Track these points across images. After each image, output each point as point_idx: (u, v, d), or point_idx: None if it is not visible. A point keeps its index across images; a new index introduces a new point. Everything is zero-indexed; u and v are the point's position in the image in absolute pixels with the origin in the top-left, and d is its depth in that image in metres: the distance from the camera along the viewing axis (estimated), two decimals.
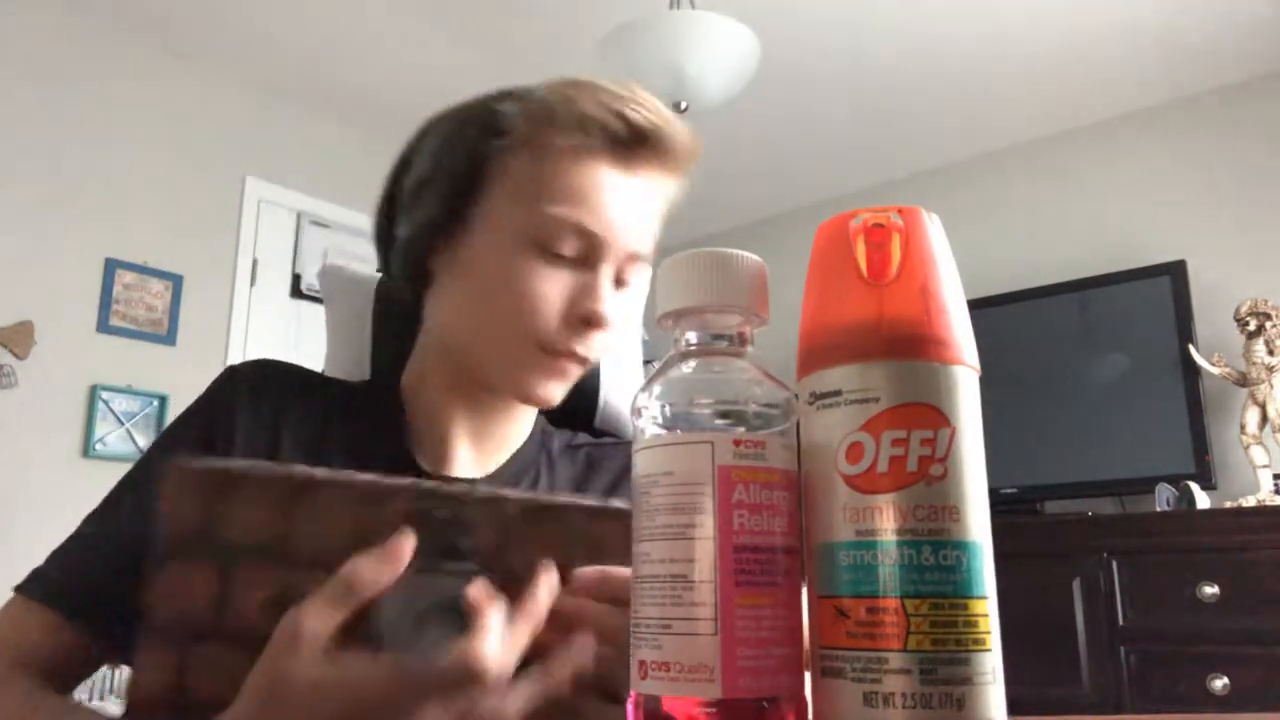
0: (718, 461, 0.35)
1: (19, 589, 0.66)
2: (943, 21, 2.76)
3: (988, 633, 0.33)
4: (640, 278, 0.73)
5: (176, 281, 2.94)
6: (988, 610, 0.33)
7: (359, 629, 0.38)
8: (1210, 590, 2.26)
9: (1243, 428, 2.63)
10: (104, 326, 2.77)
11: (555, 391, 0.70)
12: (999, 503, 2.83)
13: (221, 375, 0.76)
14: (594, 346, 0.69)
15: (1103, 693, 2.37)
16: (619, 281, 0.70)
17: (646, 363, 0.96)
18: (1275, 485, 2.52)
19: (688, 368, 0.38)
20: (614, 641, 0.40)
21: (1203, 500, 2.49)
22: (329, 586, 0.38)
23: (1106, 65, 2.96)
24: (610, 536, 0.38)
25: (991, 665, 0.33)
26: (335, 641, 0.38)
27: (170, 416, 2.85)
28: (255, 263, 3.16)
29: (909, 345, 0.34)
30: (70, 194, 2.75)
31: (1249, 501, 2.47)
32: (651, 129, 0.68)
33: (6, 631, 0.65)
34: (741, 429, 0.36)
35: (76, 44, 2.81)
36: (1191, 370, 2.71)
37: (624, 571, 0.39)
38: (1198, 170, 3.06)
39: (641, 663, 0.35)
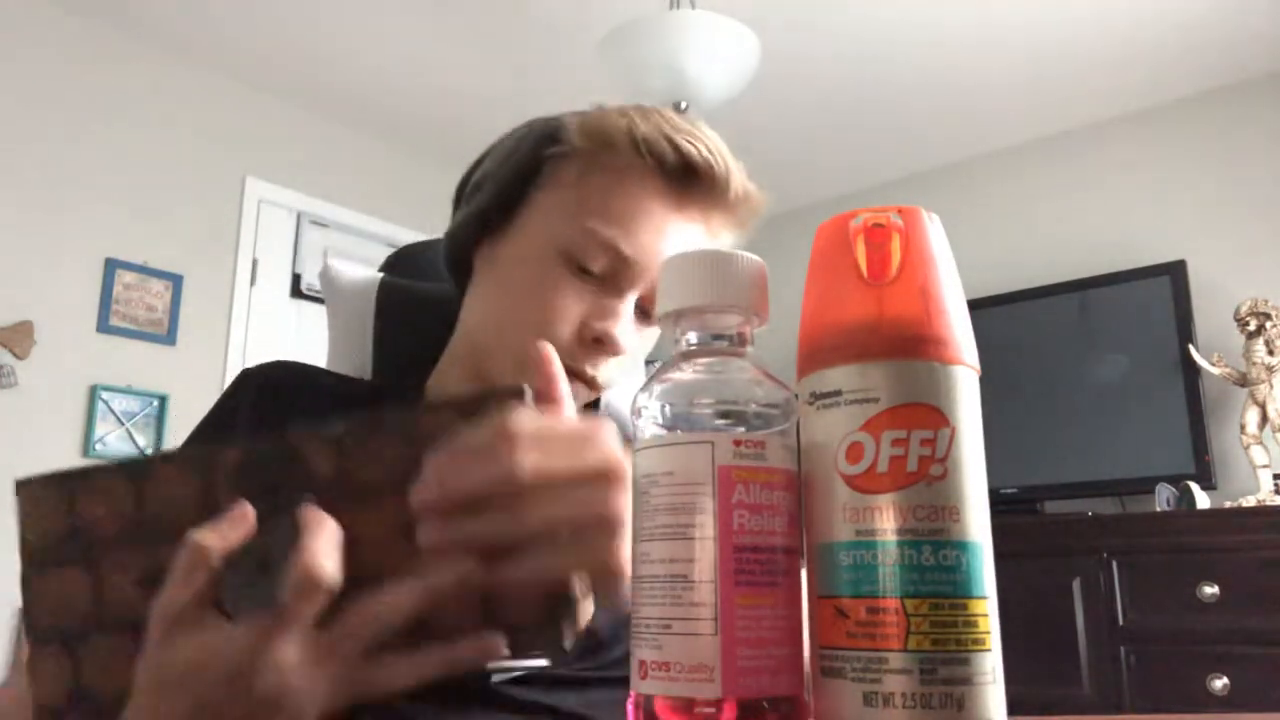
0: (718, 461, 0.35)
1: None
2: (943, 22, 2.76)
3: (988, 633, 0.33)
4: None
5: (176, 281, 2.94)
6: (988, 610, 0.33)
7: (223, 597, 0.38)
8: (1210, 590, 2.26)
9: (1243, 428, 2.63)
10: (104, 326, 2.77)
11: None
12: (999, 503, 2.83)
13: (235, 380, 0.77)
14: (604, 371, 0.68)
15: (1103, 693, 2.37)
16: (646, 315, 0.69)
17: (647, 363, 0.96)
18: (1275, 485, 2.52)
19: (688, 368, 0.38)
20: (473, 547, 0.39)
21: (1203, 500, 2.50)
22: (176, 565, 0.38)
23: (1106, 65, 2.96)
24: (440, 430, 0.38)
25: (991, 665, 0.33)
26: (198, 616, 0.38)
27: (170, 416, 2.86)
28: (255, 263, 3.16)
29: (909, 345, 0.34)
30: (70, 194, 2.75)
31: (1249, 501, 2.47)
32: (704, 164, 0.67)
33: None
34: (741, 429, 0.36)
35: (76, 44, 2.81)
36: (1191, 370, 2.71)
37: (462, 470, 0.38)
38: (1198, 170, 3.06)
39: (641, 663, 0.35)
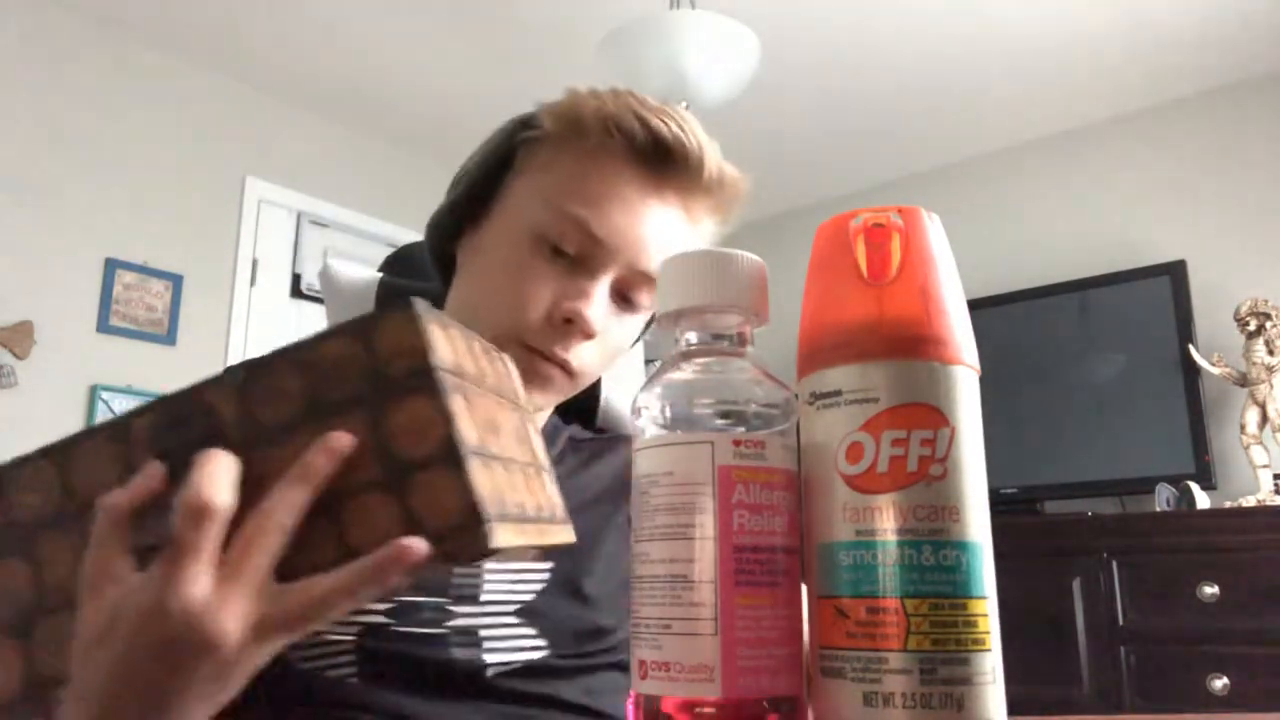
0: (718, 461, 0.35)
1: None
2: (943, 22, 2.76)
3: (988, 633, 0.33)
4: (651, 299, 0.70)
5: (176, 281, 2.94)
6: (988, 610, 0.33)
7: (139, 555, 0.38)
8: (1210, 590, 2.26)
9: (1243, 428, 2.63)
10: (104, 326, 2.77)
11: (536, 395, 0.68)
12: (999, 503, 2.83)
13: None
14: (579, 354, 0.67)
15: (1103, 693, 2.37)
16: (625, 300, 0.69)
17: (647, 363, 0.96)
18: (1275, 485, 2.52)
19: (688, 368, 0.38)
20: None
21: (1203, 500, 2.50)
22: (94, 531, 0.38)
23: (1106, 65, 2.96)
24: (340, 357, 0.37)
25: (991, 665, 0.33)
26: (111, 572, 0.37)
27: None
28: (255, 263, 3.16)
29: (909, 345, 0.34)
30: (70, 194, 2.75)
31: (1249, 501, 2.47)
32: (675, 142, 0.66)
33: None
34: (741, 429, 0.36)
35: (76, 44, 2.81)
36: (1191, 370, 2.71)
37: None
38: (1198, 170, 3.06)
39: (641, 662, 0.35)
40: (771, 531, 0.35)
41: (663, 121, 0.66)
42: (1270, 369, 2.61)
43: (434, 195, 0.78)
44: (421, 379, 0.37)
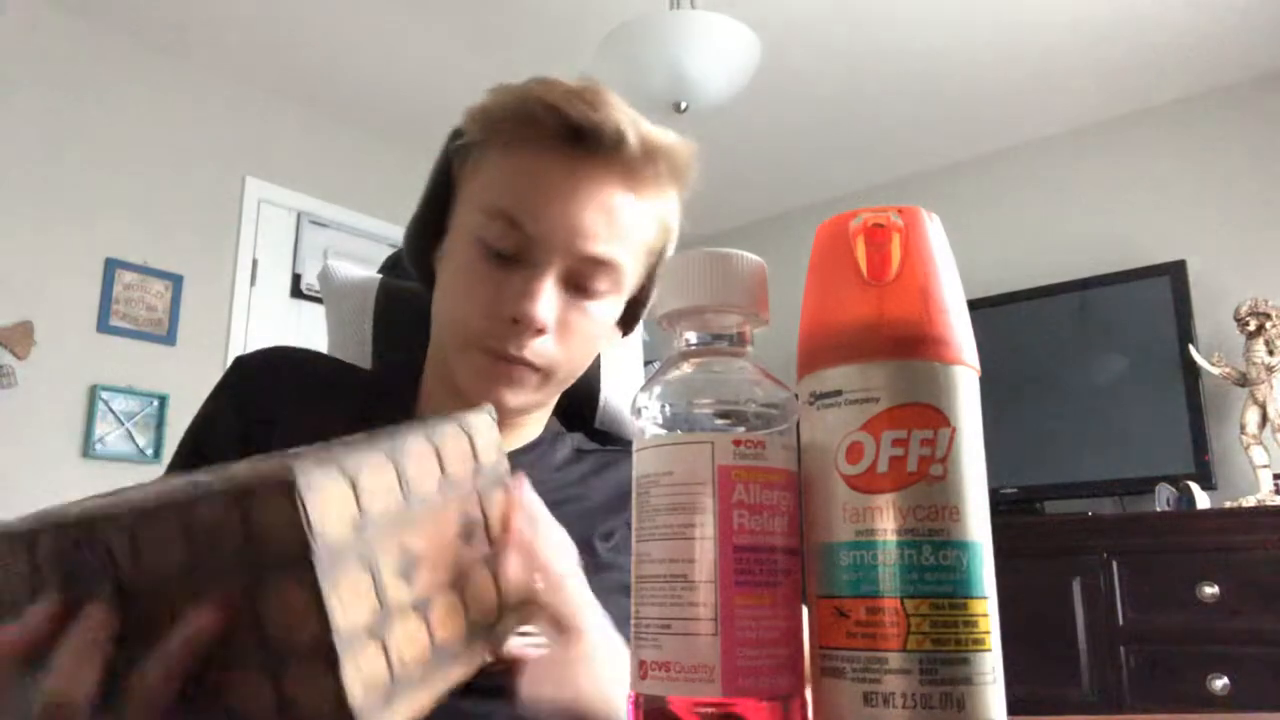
0: (718, 461, 0.35)
1: None
2: (943, 22, 2.76)
3: (988, 633, 0.33)
4: (612, 284, 0.69)
5: (176, 281, 2.94)
6: (988, 610, 0.33)
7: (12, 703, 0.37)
8: (1210, 590, 2.26)
9: (1243, 428, 2.63)
10: (104, 326, 2.77)
11: (507, 396, 0.68)
12: (999, 503, 2.83)
13: (228, 368, 0.78)
14: (538, 351, 0.67)
15: (1103, 693, 2.37)
16: (579, 288, 0.68)
17: (647, 363, 0.96)
18: (1275, 485, 2.52)
19: (688, 368, 0.38)
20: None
21: (1203, 500, 2.50)
22: None
23: (1107, 65, 2.96)
24: (216, 522, 0.35)
25: (991, 665, 0.33)
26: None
27: (170, 416, 2.86)
28: (255, 263, 3.16)
29: (909, 345, 0.34)
30: (70, 194, 2.75)
31: (1249, 501, 2.47)
32: (589, 124, 0.64)
33: None
34: (741, 429, 0.36)
35: (76, 44, 2.81)
36: (1191, 370, 2.71)
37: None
38: (1198, 170, 3.06)
39: (642, 663, 0.35)
40: (771, 531, 0.35)
41: (573, 104, 0.65)
42: (1270, 369, 2.61)
43: None
44: (296, 566, 0.33)
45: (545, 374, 0.69)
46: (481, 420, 0.46)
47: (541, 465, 0.77)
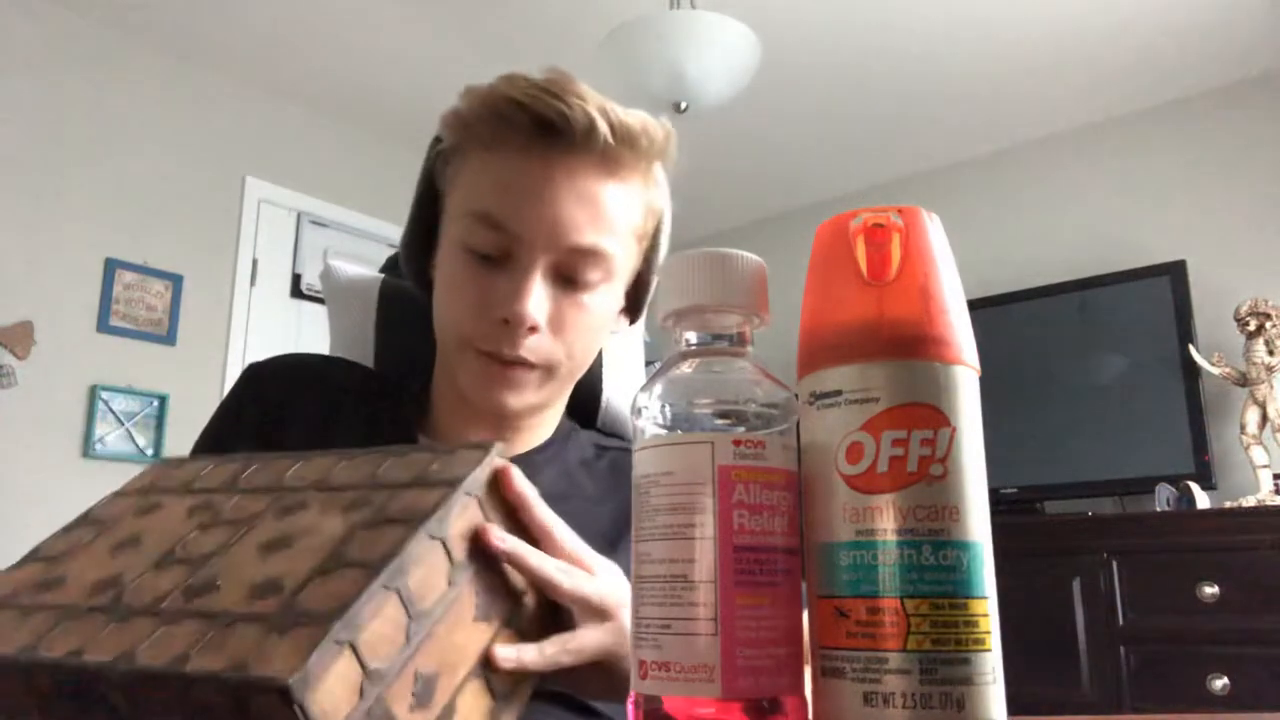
0: (718, 461, 0.35)
1: None
2: (943, 21, 2.76)
3: (988, 633, 0.33)
4: (603, 273, 0.69)
5: (176, 281, 2.94)
6: (988, 610, 0.33)
7: None
8: (1210, 590, 2.26)
9: (1243, 428, 2.63)
10: (104, 326, 2.78)
11: (509, 397, 0.68)
12: (999, 503, 2.83)
13: (242, 375, 0.78)
14: (533, 349, 0.67)
15: (1103, 693, 2.37)
16: (570, 281, 0.68)
17: (647, 363, 0.96)
18: (1275, 485, 2.52)
19: (688, 368, 0.38)
20: None
21: (1203, 500, 2.50)
22: None
23: (1106, 65, 2.96)
24: (213, 707, 0.34)
25: (991, 665, 0.33)
26: None
27: (170, 416, 2.86)
28: (255, 263, 3.16)
29: (909, 345, 0.34)
30: (70, 194, 2.75)
31: (1249, 501, 2.47)
32: (558, 115, 0.64)
33: None
34: (741, 429, 0.36)
35: (77, 44, 2.81)
36: (1191, 370, 2.71)
37: None
38: (1198, 170, 3.06)
39: (641, 663, 0.35)
40: (771, 531, 0.35)
41: (540, 99, 0.65)
42: (1270, 369, 2.61)
43: None
44: None
45: (545, 371, 0.69)
46: (485, 470, 0.44)
47: (560, 462, 0.77)
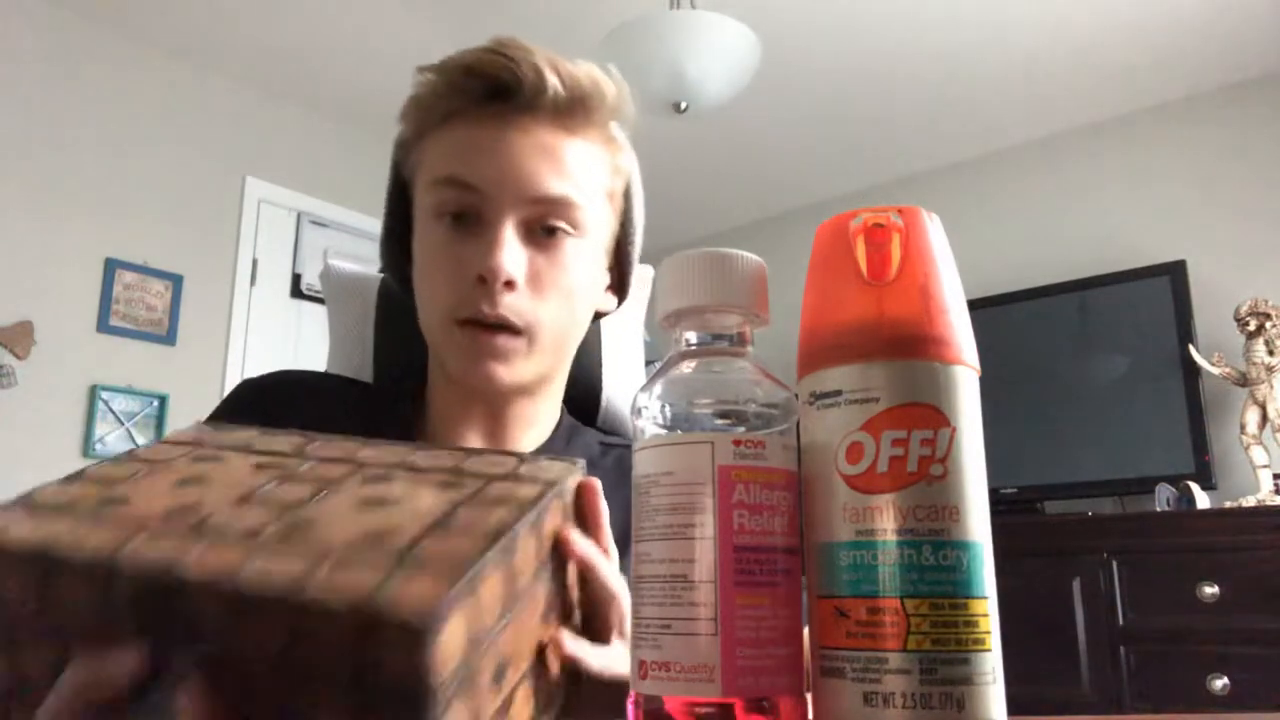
0: (718, 461, 0.35)
1: None
2: (942, 21, 2.76)
3: (988, 633, 0.33)
4: (571, 223, 0.69)
5: (176, 281, 2.94)
6: (988, 610, 0.33)
7: None
8: (1210, 590, 2.26)
9: (1243, 428, 2.63)
10: (104, 326, 2.78)
11: (499, 370, 0.67)
12: (999, 503, 2.83)
13: (234, 390, 0.77)
14: (513, 307, 0.66)
15: (1103, 693, 2.37)
16: (542, 232, 0.68)
17: (647, 363, 0.96)
18: (1275, 485, 2.53)
19: (688, 368, 0.38)
20: None
21: (1203, 500, 2.50)
22: (58, 687, 0.34)
23: (1106, 65, 2.96)
24: (329, 635, 0.33)
25: (991, 665, 0.33)
26: None
27: (170, 416, 2.86)
28: (255, 263, 3.16)
29: (909, 345, 0.34)
30: (70, 194, 2.75)
31: (1249, 501, 2.47)
32: (506, 72, 0.66)
33: None
34: (741, 429, 0.36)
35: (76, 44, 2.81)
36: (1191, 370, 2.71)
37: None
38: (1198, 170, 3.06)
39: (641, 663, 0.35)
40: (771, 531, 0.35)
41: (491, 62, 0.67)
42: (1270, 369, 2.61)
43: None
44: (408, 707, 0.31)
45: (530, 337, 0.68)
46: (574, 479, 0.43)
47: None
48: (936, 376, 0.34)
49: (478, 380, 0.68)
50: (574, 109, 0.68)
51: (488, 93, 0.67)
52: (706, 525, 0.35)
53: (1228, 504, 2.49)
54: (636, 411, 0.38)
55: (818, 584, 0.35)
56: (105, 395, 2.75)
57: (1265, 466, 2.57)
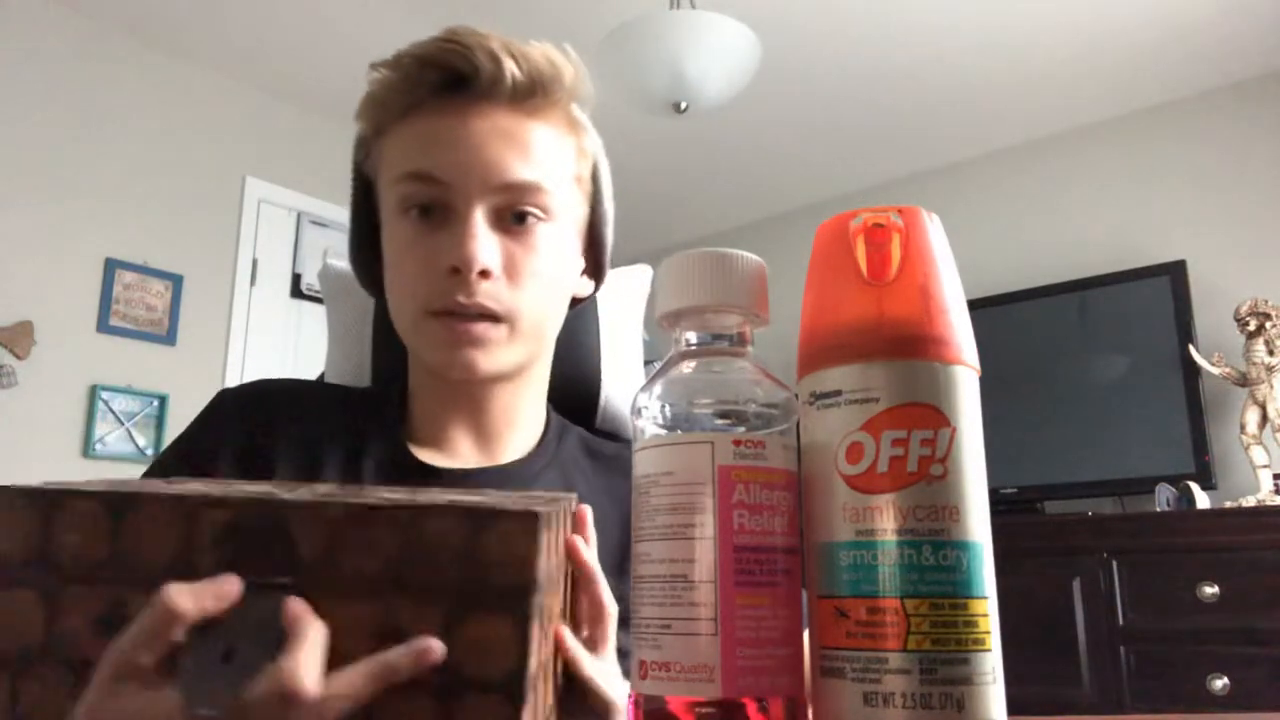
0: (718, 461, 0.35)
1: None
2: (943, 22, 2.76)
3: (988, 633, 0.33)
4: (541, 208, 0.68)
5: (176, 281, 2.94)
6: (988, 610, 0.33)
7: (179, 663, 0.35)
8: (1210, 590, 2.26)
9: (1243, 428, 2.63)
10: (104, 326, 2.78)
11: (478, 358, 0.66)
12: (999, 503, 2.83)
13: (211, 401, 0.75)
14: (490, 295, 0.66)
15: (1103, 693, 2.37)
16: (512, 218, 0.67)
17: (647, 363, 0.95)
18: (1275, 485, 2.52)
19: (688, 368, 0.38)
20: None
21: (1203, 500, 2.50)
22: (144, 617, 0.34)
23: (1106, 65, 2.96)
24: (442, 536, 0.35)
25: (991, 665, 0.33)
26: (149, 677, 0.34)
27: (170, 416, 2.86)
28: (255, 263, 3.16)
29: (909, 345, 0.34)
30: (70, 194, 2.75)
31: (1249, 501, 2.47)
32: (461, 60, 0.66)
33: None
34: (741, 429, 0.36)
35: (77, 43, 2.81)
36: (1191, 370, 2.71)
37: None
38: (1198, 170, 3.06)
39: (642, 662, 0.35)
40: (771, 531, 0.35)
41: (445, 52, 0.66)
42: (1270, 369, 2.61)
43: None
44: (515, 601, 0.34)
45: (508, 325, 0.67)
46: (572, 504, 0.46)
47: (559, 469, 0.75)
48: (936, 376, 0.34)
49: (456, 369, 0.67)
50: (533, 92, 0.68)
51: (445, 83, 0.67)
52: (706, 525, 0.35)
53: (1228, 504, 2.49)
54: (636, 411, 0.38)
55: (818, 584, 0.35)
56: (105, 395, 2.75)
57: (1265, 466, 2.57)
